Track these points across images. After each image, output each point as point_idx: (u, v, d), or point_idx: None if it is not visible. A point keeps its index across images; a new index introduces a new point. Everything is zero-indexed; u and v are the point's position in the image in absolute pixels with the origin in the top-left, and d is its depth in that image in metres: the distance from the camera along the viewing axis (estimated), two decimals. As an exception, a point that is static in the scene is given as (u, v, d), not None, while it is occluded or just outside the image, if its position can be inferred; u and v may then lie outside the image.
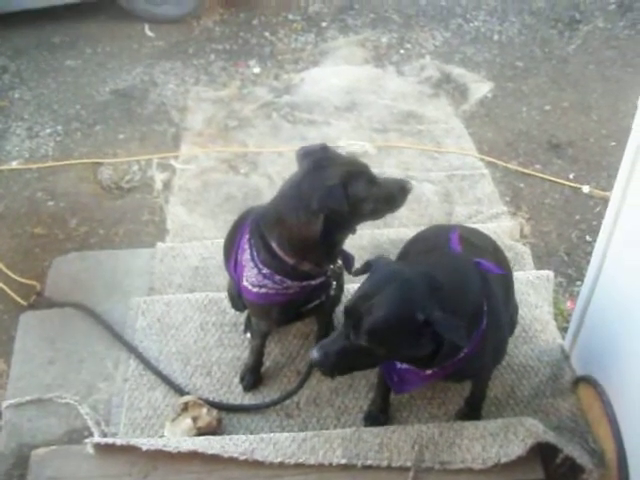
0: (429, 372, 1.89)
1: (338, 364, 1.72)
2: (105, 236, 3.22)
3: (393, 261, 1.95)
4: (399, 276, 1.68)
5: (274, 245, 1.99)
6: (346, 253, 2.13)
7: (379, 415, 2.25)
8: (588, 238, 3.09)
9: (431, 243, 2.12)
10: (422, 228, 2.38)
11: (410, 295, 1.64)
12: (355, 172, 1.94)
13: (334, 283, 2.15)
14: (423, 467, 2.00)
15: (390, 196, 2.01)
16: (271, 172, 3.53)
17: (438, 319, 1.60)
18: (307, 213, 1.89)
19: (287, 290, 2.06)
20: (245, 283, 2.08)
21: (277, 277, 2.02)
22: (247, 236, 2.07)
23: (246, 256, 2.06)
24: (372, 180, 1.97)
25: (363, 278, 1.76)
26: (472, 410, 2.23)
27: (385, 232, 3.00)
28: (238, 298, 2.32)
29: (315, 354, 1.70)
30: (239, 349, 2.50)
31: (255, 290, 2.06)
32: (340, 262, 2.10)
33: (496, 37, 4.67)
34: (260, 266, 2.02)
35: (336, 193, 1.86)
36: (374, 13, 4.98)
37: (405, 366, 1.92)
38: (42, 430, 2.35)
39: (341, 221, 1.93)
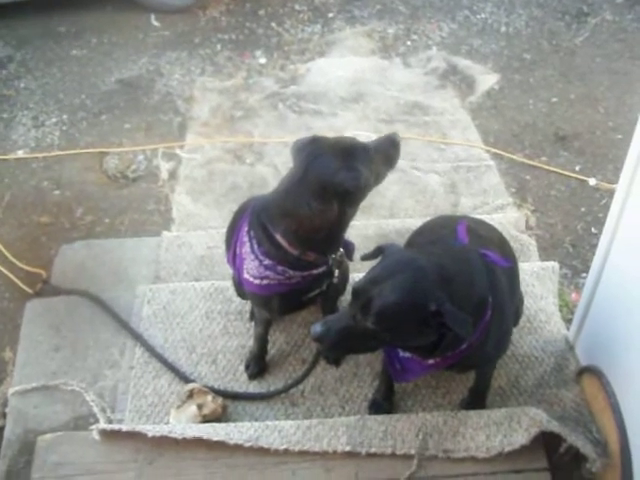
0: (431, 362, 1.89)
1: (338, 342, 1.70)
2: (111, 225, 3.23)
3: (405, 248, 1.95)
4: (413, 263, 1.68)
5: (278, 237, 1.99)
6: (346, 241, 2.14)
7: (383, 403, 2.25)
8: (594, 230, 3.08)
9: (437, 234, 2.12)
10: (428, 219, 2.37)
11: (423, 283, 1.64)
12: (355, 147, 1.98)
13: (336, 271, 2.14)
14: (427, 455, 2.00)
15: (387, 156, 2.06)
16: (277, 162, 3.53)
17: (449, 311, 1.60)
18: (322, 201, 1.90)
19: (289, 280, 2.06)
20: (246, 275, 2.09)
21: (280, 268, 2.02)
22: (246, 228, 2.08)
23: (246, 249, 2.06)
24: (369, 149, 2.00)
25: (368, 265, 1.76)
26: (476, 400, 2.23)
27: (391, 222, 3.00)
28: (241, 287, 2.33)
29: (317, 328, 1.68)
30: (244, 337, 2.51)
31: (257, 282, 2.06)
32: (341, 250, 2.11)
33: (503, 29, 4.65)
34: (261, 257, 2.02)
35: (355, 171, 1.90)
36: (381, 4, 4.97)
37: (407, 355, 1.92)
38: (48, 417, 2.36)
39: (356, 200, 1.97)
